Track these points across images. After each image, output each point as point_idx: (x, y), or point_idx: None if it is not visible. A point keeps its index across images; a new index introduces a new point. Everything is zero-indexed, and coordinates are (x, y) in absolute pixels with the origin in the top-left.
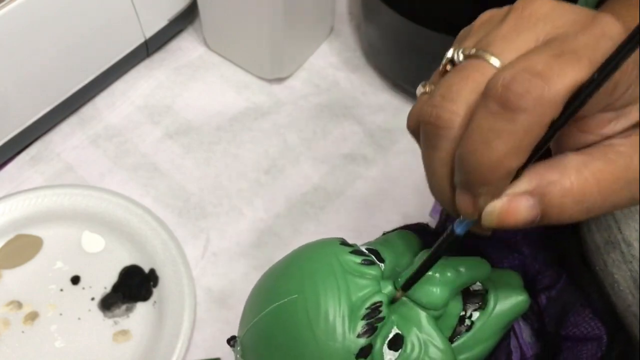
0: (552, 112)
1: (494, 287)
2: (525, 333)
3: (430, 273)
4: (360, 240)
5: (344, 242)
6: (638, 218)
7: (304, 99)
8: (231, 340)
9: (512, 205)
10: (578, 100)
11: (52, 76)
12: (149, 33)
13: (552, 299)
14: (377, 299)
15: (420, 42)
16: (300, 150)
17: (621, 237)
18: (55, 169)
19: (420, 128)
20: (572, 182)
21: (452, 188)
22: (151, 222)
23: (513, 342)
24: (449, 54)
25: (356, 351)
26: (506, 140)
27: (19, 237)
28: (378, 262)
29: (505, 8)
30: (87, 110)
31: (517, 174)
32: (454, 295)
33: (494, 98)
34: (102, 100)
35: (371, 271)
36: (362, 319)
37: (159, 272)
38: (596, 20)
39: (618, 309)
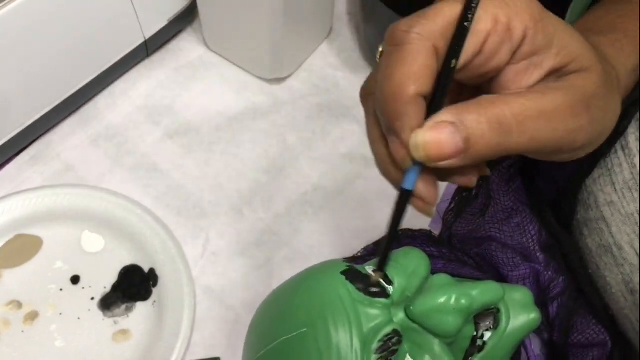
0: (432, 38)
1: (505, 305)
2: (535, 345)
3: (443, 301)
4: (359, 240)
5: (350, 270)
6: (629, 222)
7: (303, 99)
8: None
9: (434, 134)
10: (459, 28)
11: (52, 76)
12: (149, 33)
13: (563, 306)
14: (389, 329)
15: None
16: (299, 150)
17: (613, 241)
18: (55, 169)
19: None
20: (486, 110)
21: (387, 149)
22: (151, 222)
23: (523, 356)
24: (380, 48)
25: None
26: (400, 69)
27: (18, 237)
28: (387, 286)
29: None
30: (87, 110)
31: (435, 111)
32: (467, 321)
33: (388, 41)
34: (102, 100)
35: (382, 300)
36: (375, 352)
37: (158, 272)
38: None
39: (612, 311)
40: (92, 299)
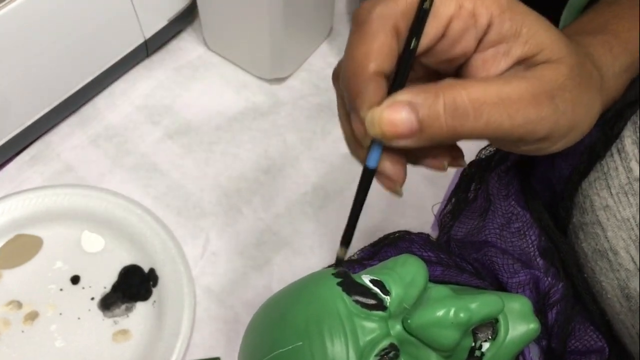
0: (393, 20)
1: (504, 316)
2: (533, 353)
3: (441, 314)
4: (359, 240)
5: (345, 281)
6: (625, 227)
7: (303, 99)
8: None
9: (390, 113)
10: (419, 9)
11: (52, 76)
12: (149, 33)
13: (561, 313)
14: (386, 343)
15: None
16: (299, 150)
17: (608, 245)
18: (55, 169)
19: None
20: (444, 93)
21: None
22: (151, 222)
23: None
24: None
25: None
26: (360, 47)
27: (18, 237)
28: (384, 297)
29: None
30: (87, 110)
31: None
32: (466, 334)
33: (352, 20)
34: (102, 100)
35: (379, 312)
36: None
37: (158, 272)
38: None
39: (607, 316)
40: (92, 299)
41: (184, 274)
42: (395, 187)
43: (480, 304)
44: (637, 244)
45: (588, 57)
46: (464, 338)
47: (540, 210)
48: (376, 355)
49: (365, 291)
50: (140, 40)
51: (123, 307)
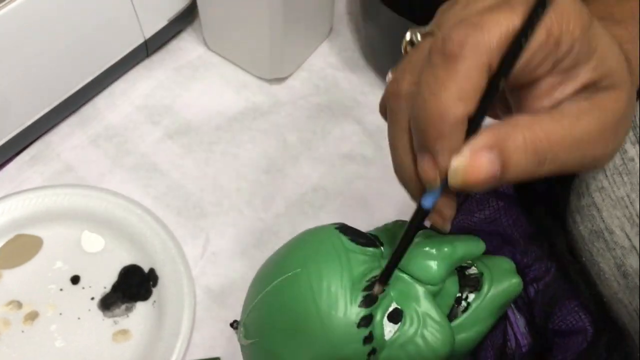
0: (488, 56)
1: (488, 271)
2: (520, 323)
3: (427, 249)
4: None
5: (344, 226)
6: (619, 206)
7: (303, 99)
8: (234, 324)
9: (475, 160)
10: (514, 46)
11: (52, 76)
12: (149, 33)
13: (540, 292)
14: (376, 272)
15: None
16: (299, 150)
17: (604, 225)
18: (55, 169)
19: (387, 103)
20: (524, 136)
21: (413, 161)
22: (151, 222)
23: (509, 331)
24: (407, 36)
25: (357, 320)
26: (450, 87)
27: (18, 237)
28: (378, 243)
29: None
30: (87, 110)
31: (473, 132)
32: (451, 271)
33: (436, 51)
34: (102, 100)
35: (371, 249)
36: (363, 290)
37: (158, 272)
38: None
39: (605, 297)
40: (92, 299)
41: (184, 274)
42: (444, 224)
43: (462, 241)
44: (632, 221)
45: (629, 61)
46: (449, 281)
47: (529, 196)
48: (367, 281)
49: (360, 233)
50: (140, 40)
51: (123, 307)
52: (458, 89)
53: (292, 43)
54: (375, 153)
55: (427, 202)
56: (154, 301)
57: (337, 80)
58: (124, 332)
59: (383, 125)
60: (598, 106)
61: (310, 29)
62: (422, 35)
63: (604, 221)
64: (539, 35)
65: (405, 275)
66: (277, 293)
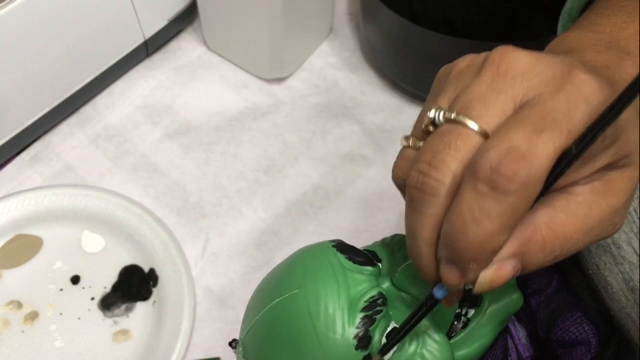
0: (538, 189)
1: None
2: (521, 335)
3: None
4: (359, 240)
5: (341, 244)
6: (627, 220)
7: (303, 99)
8: (233, 343)
9: (501, 270)
10: (558, 169)
11: (52, 76)
12: (149, 33)
13: (542, 304)
14: (375, 292)
15: (419, 42)
16: (299, 150)
17: (611, 240)
18: (54, 169)
19: (406, 189)
20: (543, 237)
21: (434, 254)
22: (151, 222)
23: (509, 343)
24: (431, 114)
25: (355, 342)
26: (495, 220)
27: (18, 237)
28: (376, 262)
29: (482, 56)
30: (86, 111)
31: None
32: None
33: (483, 180)
34: (101, 100)
35: (369, 268)
36: (361, 311)
37: (158, 272)
38: (571, 78)
39: (612, 311)
40: (92, 299)
41: (184, 274)
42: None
43: None
44: (639, 236)
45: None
46: None
47: None
48: (365, 301)
49: (358, 252)
50: (140, 40)
51: (123, 307)
52: (504, 223)
53: (292, 43)
54: (375, 153)
55: (439, 294)
56: (154, 301)
57: (337, 80)
58: (124, 332)
59: (382, 125)
60: (610, 189)
61: (310, 29)
62: (447, 120)
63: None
64: None
65: (404, 294)
66: (275, 314)
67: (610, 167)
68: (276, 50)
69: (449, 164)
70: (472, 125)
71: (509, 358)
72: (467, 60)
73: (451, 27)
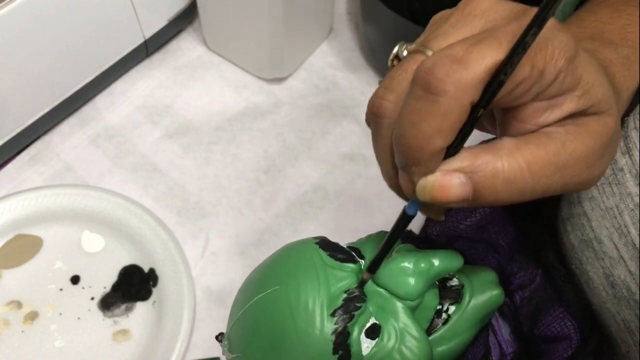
0: (470, 94)
1: (469, 282)
2: (504, 330)
3: (405, 265)
4: (354, 239)
5: (323, 241)
6: (608, 216)
7: (303, 99)
8: (219, 336)
9: (444, 181)
10: (495, 81)
11: (52, 76)
12: (149, 33)
13: (526, 299)
14: (354, 289)
15: None
16: (299, 150)
17: (593, 235)
18: (54, 169)
19: (369, 119)
20: (503, 163)
21: (397, 172)
22: (150, 222)
23: (492, 339)
24: (394, 50)
25: (333, 338)
26: (430, 121)
27: (18, 237)
28: (358, 259)
29: (454, 8)
30: (86, 110)
31: (453, 154)
32: (429, 286)
33: (419, 83)
34: (101, 100)
35: (350, 265)
36: (340, 307)
37: (158, 272)
38: (526, 13)
39: (594, 305)
40: (92, 299)
41: (184, 274)
42: (438, 216)
43: (439, 257)
44: (620, 232)
45: (615, 85)
46: (429, 295)
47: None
48: (344, 298)
49: (340, 249)
50: (140, 40)
51: (123, 307)
52: (438, 124)
53: (292, 43)
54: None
55: (411, 210)
56: (154, 301)
57: (337, 80)
58: (124, 332)
59: None
60: (585, 130)
61: (310, 29)
62: (409, 52)
63: (593, 231)
64: (523, 68)
65: (383, 291)
66: (257, 309)
67: (582, 114)
68: (276, 50)
69: (401, 85)
70: (428, 52)
71: (492, 354)
72: (440, 14)
73: None
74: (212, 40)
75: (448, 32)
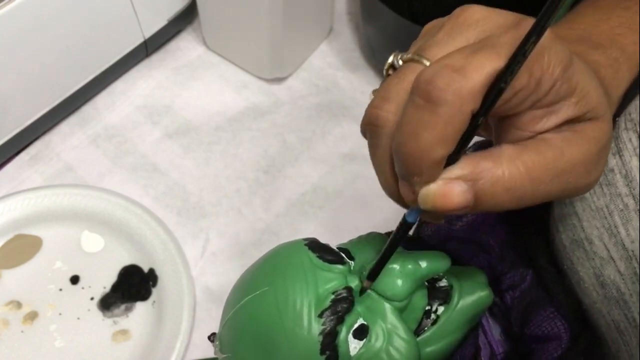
0: (471, 103)
1: (458, 283)
2: (495, 331)
3: (392, 266)
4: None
5: (313, 242)
6: (599, 216)
7: (303, 99)
8: (211, 337)
9: (446, 189)
10: (495, 89)
11: (52, 76)
12: (149, 33)
13: (517, 299)
14: (342, 290)
15: None
16: (299, 150)
17: (584, 235)
18: (54, 168)
19: (366, 129)
20: (503, 170)
21: (396, 181)
22: (150, 222)
23: (482, 339)
24: (390, 59)
25: (321, 339)
26: (430, 131)
27: (18, 237)
28: (347, 260)
29: (447, 17)
30: (86, 110)
31: (453, 162)
32: (417, 287)
33: (419, 93)
34: (101, 100)
35: (339, 266)
36: (327, 308)
37: (158, 272)
38: (521, 22)
39: (585, 306)
40: (92, 299)
41: (184, 274)
42: (437, 220)
43: (427, 258)
44: (610, 232)
45: (605, 89)
46: (417, 296)
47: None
48: (332, 299)
49: (330, 250)
50: (140, 40)
51: (123, 307)
52: (439, 134)
53: (292, 43)
54: None
55: (411, 217)
56: (154, 301)
57: (337, 80)
58: (124, 332)
59: None
60: (582, 136)
61: (310, 29)
62: (404, 61)
63: (584, 231)
64: (521, 77)
65: (371, 292)
66: (247, 311)
67: (578, 120)
68: (276, 50)
69: (399, 95)
70: (424, 61)
71: (481, 354)
72: (433, 22)
73: None
74: (211, 40)
75: (443, 41)
